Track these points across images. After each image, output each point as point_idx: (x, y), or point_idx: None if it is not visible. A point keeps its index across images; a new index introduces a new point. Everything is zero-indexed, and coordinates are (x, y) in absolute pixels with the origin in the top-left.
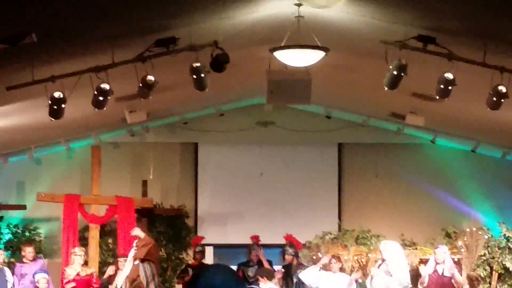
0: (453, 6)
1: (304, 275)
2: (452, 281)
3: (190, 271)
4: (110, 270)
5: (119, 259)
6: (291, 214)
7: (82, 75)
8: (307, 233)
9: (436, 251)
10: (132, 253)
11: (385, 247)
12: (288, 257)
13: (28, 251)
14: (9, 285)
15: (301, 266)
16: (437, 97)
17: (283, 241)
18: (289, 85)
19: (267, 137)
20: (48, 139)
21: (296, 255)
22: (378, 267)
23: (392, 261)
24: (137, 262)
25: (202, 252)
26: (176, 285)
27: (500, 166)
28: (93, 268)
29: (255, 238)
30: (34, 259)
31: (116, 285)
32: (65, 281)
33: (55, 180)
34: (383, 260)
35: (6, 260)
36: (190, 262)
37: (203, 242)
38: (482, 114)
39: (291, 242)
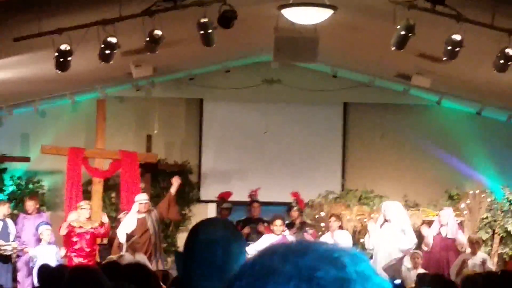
0: None
1: None
2: (455, 243)
3: None
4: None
5: (120, 215)
6: (294, 172)
7: (89, 28)
8: (310, 192)
9: (441, 213)
10: (134, 208)
11: (387, 207)
12: (294, 213)
13: (29, 205)
14: (12, 236)
15: (304, 225)
16: (444, 59)
17: (285, 199)
18: (296, 42)
19: (272, 95)
20: (54, 91)
21: (300, 213)
22: (380, 227)
23: (401, 221)
24: (142, 215)
25: (229, 209)
26: None
27: (505, 129)
28: (96, 223)
29: (296, 195)
30: (38, 212)
31: (119, 240)
32: (65, 225)
33: (60, 133)
34: (386, 220)
35: (8, 212)
36: (193, 217)
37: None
38: (488, 76)
39: (297, 199)
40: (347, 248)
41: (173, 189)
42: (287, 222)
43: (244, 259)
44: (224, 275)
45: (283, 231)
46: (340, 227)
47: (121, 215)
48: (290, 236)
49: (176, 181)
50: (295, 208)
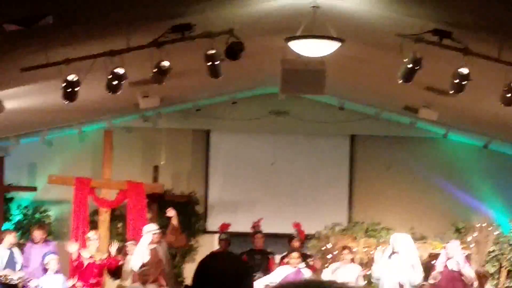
0: (470, 1)
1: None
2: (462, 277)
3: None
4: (114, 250)
5: (127, 243)
6: (301, 204)
7: (97, 59)
8: (316, 223)
9: (448, 246)
10: (147, 239)
11: (397, 239)
12: (295, 243)
13: (36, 234)
14: (18, 266)
15: (305, 256)
16: (451, 92)
17: (292, 231)
18: (303, 74)
19: (279, 127)
20: (61, 122)
21: (301, 244)
22: (389, 257)
23: (411, 254)
24: (153, 246)
25: (227, 240)
26: None
27: None
28: (105, 254)
29: (297, 226)
30: (45, 242)
31: (131, 268)
32: (75, 261)
33: (67, 163)
34: (394, 252)
35: (15, 242)
36: (198, 248)
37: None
38: (495, 110)
39: (298, 230)
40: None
41: (174, 221)
42: (285, 253)
43: None
44: None
45: (299, 263)
46: (352, 260)
47: (128, 244)
48: (304, 269)
49: (171, 213)
50: (296, 238)
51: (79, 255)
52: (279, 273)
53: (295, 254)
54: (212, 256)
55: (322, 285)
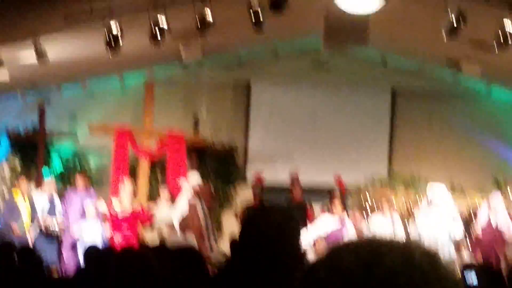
0: None
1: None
2: (505, 233)
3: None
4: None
5: (161, 190)
6: (341, 157)
7: (140, 9)
8: (356, 176)
9: (490, 198)
10: (186, 193)
11: (433, 189)
12: (336, 200)
13: (78, 182)
14: (58, 213)
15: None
16: (496, 48)
17: (331, 184)
18: (346, 25)
19: (321, 81)
20: (103, 72)
21: (343, 198)
22: (425, 210)
23: (449, 206)
24: (193, 199)
25: (260, 193)
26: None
27: None
28: (138, 206)
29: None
30: (86, 189)
31: (173, 222)
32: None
33: (107, 113)
34: (430, 203)
35: (56, 189)
36: (238, 198)
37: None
38: None
39: (339, 183)
40: (423, 248)
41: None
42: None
43: (301, 245)
44: (285, 264)
45: (341, 212)
46: (393, 211)
47: (163, 191)
48: (348, 221)
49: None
50: (336, 192)
51: (111, 207)
52: (323, 224)
53: (337, 202)
54: (260, 209)
55: (383, 242)
